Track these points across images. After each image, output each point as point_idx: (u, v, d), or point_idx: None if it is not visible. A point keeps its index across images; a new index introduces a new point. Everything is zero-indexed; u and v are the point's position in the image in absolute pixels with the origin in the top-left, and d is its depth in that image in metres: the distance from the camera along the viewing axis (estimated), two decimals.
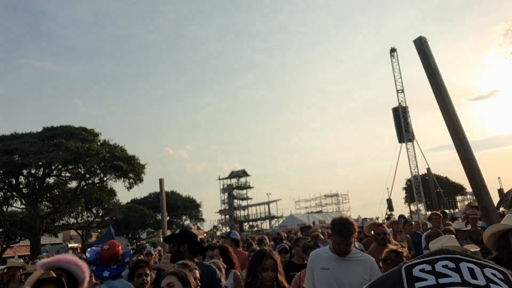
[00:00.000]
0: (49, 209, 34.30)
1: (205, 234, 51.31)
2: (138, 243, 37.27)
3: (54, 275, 2.55)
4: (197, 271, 3.00)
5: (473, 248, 4.35)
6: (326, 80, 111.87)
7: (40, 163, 30.82)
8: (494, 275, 0.53)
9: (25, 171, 31.37)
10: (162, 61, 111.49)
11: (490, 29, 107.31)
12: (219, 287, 3.56)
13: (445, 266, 0.55)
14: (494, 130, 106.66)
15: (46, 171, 32.00)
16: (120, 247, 4.11)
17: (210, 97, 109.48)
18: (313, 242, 4.85)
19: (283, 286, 3.06)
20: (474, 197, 5.40)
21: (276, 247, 6.19)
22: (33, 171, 31.78)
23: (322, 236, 6.26)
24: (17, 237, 35.38)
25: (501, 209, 14.97)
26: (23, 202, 31.68)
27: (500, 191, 25.52)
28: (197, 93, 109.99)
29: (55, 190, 34.33)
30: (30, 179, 31.88)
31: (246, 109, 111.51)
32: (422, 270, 0.56)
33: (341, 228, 3.04)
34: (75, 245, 42.38)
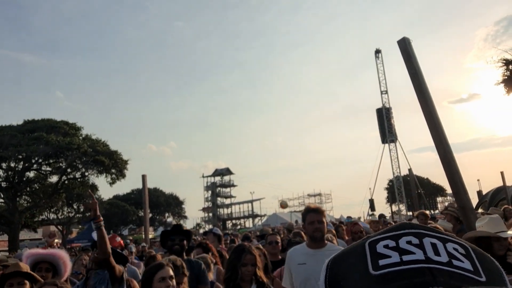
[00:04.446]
0: (28, 204, 33.66)
1: None
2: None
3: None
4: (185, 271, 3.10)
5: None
6: (311, 80, 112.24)
7: (20, 157, 30.26)
8: (456, 249, 0.53)
9: (4, 164, 30.76)
10: (146, 57, 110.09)
11: (471, 34, 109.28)
12: (204, 278, 3.77)
13: (409, 242, 0.54)
14: (474, 132, 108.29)
15: (26, 164, 31.42)
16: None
17: (194, 94, 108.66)
18: (298, 239, 4.82)
19: (262, 281, 3.07)
20: (453, 197, 5.49)
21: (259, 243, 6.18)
22: (12, 165, 31.18)
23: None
24: None
25: (480, 210, 15.31)
26: (2, 196, 31.09)
27: (479, 193, 26.08)
28: (182, 90, 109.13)
29: (35, 184, 33.72)
30: (9, 172, 31.26)
31: (231, 107, 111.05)
32: (386, 247, 0.54)
33: (313, 207, 3.45)
34: (55, 241, 41.67)
